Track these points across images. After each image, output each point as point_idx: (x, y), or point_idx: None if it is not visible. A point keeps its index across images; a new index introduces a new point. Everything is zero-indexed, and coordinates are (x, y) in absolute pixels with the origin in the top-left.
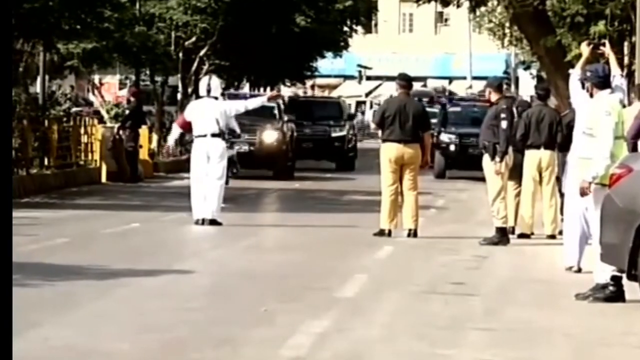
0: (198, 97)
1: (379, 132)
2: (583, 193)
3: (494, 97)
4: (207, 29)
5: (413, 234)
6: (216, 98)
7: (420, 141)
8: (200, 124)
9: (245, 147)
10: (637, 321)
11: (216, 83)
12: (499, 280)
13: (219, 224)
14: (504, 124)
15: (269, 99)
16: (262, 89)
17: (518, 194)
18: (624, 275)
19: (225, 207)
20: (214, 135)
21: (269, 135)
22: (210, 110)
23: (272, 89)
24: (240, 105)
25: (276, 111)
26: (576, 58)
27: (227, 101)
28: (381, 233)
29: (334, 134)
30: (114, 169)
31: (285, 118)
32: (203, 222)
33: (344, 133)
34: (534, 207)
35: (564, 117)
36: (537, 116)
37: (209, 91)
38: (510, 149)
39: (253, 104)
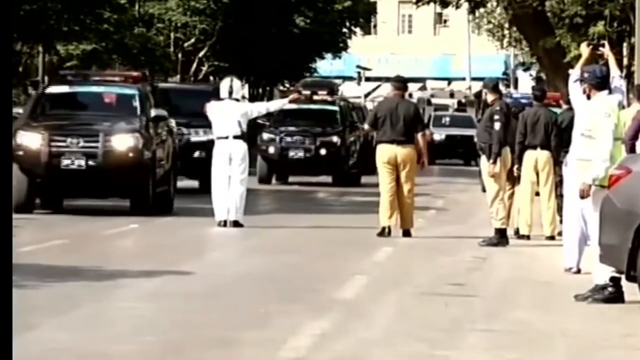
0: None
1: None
2: (582, 196)
3: (490, 98)
4: (206, 30)
5: (407, 233)
6: (238, 100)
7: (414, 142)
8: (222, 125)
9: (81, 162)
10: (637, 322)
11: (238, 85)
12: (499, 281)
13: (241, 225)
14: (496, 126)
15: (291, 102)
16: (261, 90)
17: (511, 195)
18: (623, 277)
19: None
20: (236, 137)
21: (121, 141)
22: (232, 112)
23: (272, 91)
24: (262, 107)
25: (137, 102)
26: (575, 59)
27: (248, 103)
28: (382, 231)
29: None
30: None
31: (154, 113)
32: (225, 223)
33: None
34: (532, 208)
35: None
36: (532, 117)
37: (230, 93)
38: (508, 150)
39: (275, 105)
